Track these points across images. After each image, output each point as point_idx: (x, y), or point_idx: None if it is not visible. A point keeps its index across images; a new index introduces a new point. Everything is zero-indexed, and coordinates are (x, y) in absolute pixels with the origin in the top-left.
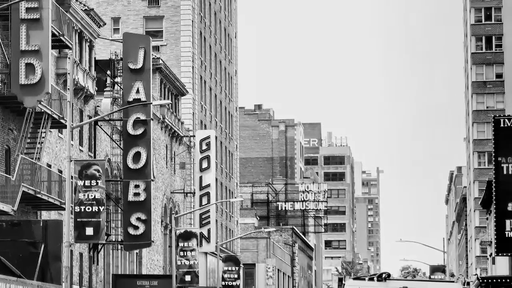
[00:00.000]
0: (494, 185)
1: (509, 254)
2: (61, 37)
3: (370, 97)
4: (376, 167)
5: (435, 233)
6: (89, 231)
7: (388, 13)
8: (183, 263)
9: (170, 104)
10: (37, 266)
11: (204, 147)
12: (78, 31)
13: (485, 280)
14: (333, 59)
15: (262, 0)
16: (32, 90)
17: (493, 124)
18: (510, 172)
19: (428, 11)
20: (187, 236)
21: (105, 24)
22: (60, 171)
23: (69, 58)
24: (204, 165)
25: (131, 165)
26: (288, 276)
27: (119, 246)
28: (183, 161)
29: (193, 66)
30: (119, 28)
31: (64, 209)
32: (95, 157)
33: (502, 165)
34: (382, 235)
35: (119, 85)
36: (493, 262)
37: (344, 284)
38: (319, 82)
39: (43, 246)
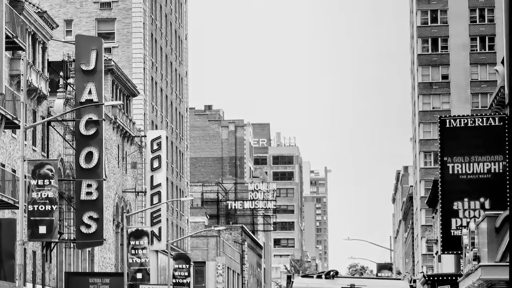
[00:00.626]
0: (440, 184)
1: (454, 252)
2: (15, 39)
3: (317, 98)
4: (324, 166)
5: (382, 231)
6: (42, 229)
7: (333, 14)
8: (134, 261)
9: (121, 105)
10: None
11: (155, 147)
12: (32, 33)
13: (431, 278)
14: (282, 61)
15: (212, 3)
16: None
17: (438, 125)
18: (455, 172)
19: (375, 13)
20: (138, 234)
21: (58, 26)
22: (14, 171)
23: (22, 59)
24: (155, 164)
25: (83, 164)
26: (238, 273)
27: (72, 244)
28: (134, 161)
29: (144, 68)
30: (71, 30)
31: (17, 208)
32: (48, 157)
33: (447, 164)
34: (330, 234)
35: (72, 86)
36: (439, 260)
37: (292, 281)
38: (268, 83)
39: None
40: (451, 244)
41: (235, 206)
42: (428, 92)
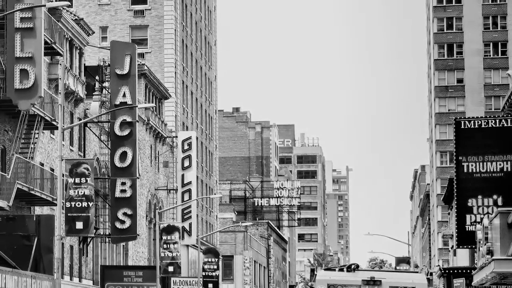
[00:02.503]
0: (455, 182)
1: (469, 246)
2: (53, 45)
3: (339, 101)
4: (346, 165)
5: (400, 227)
6: (79, 225)
7: (354, 21)
8: (166, 255)
9: (154, 107)
10: (30, 257)
11: (186, 147)
12: (69, 39)
13: (447, 271)
14: (306, 64)
15: (239, 10)
16: (26, 94)
17: (454, 126)
18: (470, 171)
19: (394, 20)
20: (170, 230)
21: (94, 32)
22: (52, 170)
23: (60, 64)
24: (186, 163)
25: (118, 164)
26: (264, 267)
27: (107, 239)
28: (166, 160)
29: (175, 72)
30: (107, 37)
31: (55, 204)
32: (84, 157)
33: (462, 163)
34: (351, 229)
35: (107, 89)
36: (454, 254)
37: (316, 274)
38: (293, 86)
39: (36, 239)
40: (466, 239)
41: (261, 203)
42: (444, 95)
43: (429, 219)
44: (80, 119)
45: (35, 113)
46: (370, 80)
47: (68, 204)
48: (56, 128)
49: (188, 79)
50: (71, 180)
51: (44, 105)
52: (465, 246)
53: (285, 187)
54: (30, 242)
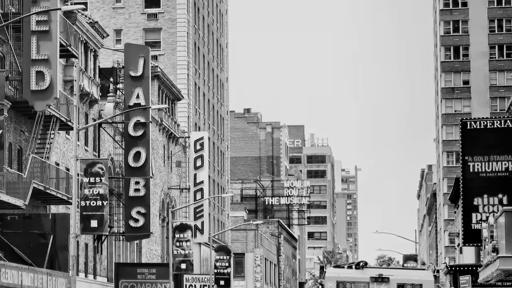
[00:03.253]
0: (461, 181)
1: (474, 244)
2: (68, 47)
3: (349, 102)
4: (354, 165)
5: (408, 225)
6: (94, 223)
7: (365, 25)
8: (179, 253)
9: (167, 108)
10: (46, 255)
11: (198, 147)
12: (84, 41)
13: (453, 268)
14: (316, 67)
15: (250, 13)
16: (42, 96)
17: (460, 127)
18: (475, 170)
19: (401, 23)
20: (182, 228)
21: (108, 35)
22: (67, 169)
23: (75, 66)
24: (198, 163)
25: (132, 163)
26: (274, 264)
27: (121, 237)
28: (179, 160)
29: (188, 74)
30: (121, 39)
31: (71, 203)
32: (99, 156)
33: (468, 163)
34: (359, 227)
35: (121, 90)
36: (461, 252)
37: (325, 271)
38: (303, 88)
39: (51, 237)
40: (472, 237)
41: (272, 201)
42: (451, 97)
43: (436, 217)
44: (94, 120)
45: (51, 114)
46: (379, 81)
47: (83, 203)
48: (71, 128)
49: (200, 81)
50: (86, 180)
51: (59, 106)
52: (471, 244)
53: (295, 186)
54: (46, 240)
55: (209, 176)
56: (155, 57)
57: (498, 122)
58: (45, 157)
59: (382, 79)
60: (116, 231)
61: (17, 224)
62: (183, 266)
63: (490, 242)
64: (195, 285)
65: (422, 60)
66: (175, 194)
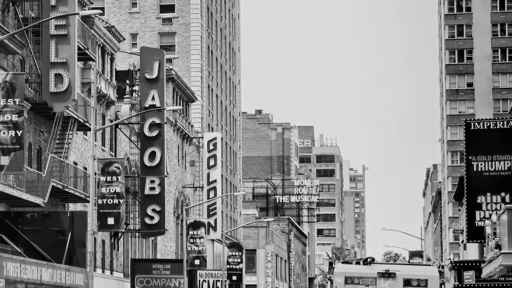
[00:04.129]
0: (465, 180)
1: (478, 241)
2: (86, 51)
3: (357, 103)
4: (362, 164)
5: (414, 222)
6: (111, 221)
7: (372, 29)
8: (193, 249)
9: (181, 110)
10: (65, 251)
11: (211, 147)
12: (101, 45)
13: (458, 264)
14: (325, 70)
15: (261, 18)
16: (60, 97)
17: (464, 127)
18: (479, 169)
19: (408, 28)
20: (196, 225)
21: (125, 39)
22: (85, 168)
23: (92, 69)
24: (211, 163)
25: (147, 163)
26: (285, 260)
27: (137, 234)
28: (193, 160)
29: (201, 76)
30: (136, 43)
31: (88, 201)
32: (115, 156)
33: (472, 163)
34: (367, 224)
35: (137, 92)
36: (465, 248)
37: (334, 267)
38: (312, 90)
39: (70, 234)
40: (475, 234)
41: (282, 200)
42: (455, 98)
43: (440, 215)
44: (111, 121)
45: (69, 115)
46: (386, 84)
47: (100, 201)
48: (89, 129)
49: (213, 83)
50: (103, 178)
51: (77, 107)
52: (474, 241)
53: (305, 185)
54: (64, 237)
55: (221, 175)
56: (169, 60)
57: (501, 123)
58: (64, 157)
59: (389, 82)
60: (132, 228)
61: (36, 221)
62: (197, 262)
63: (493, 239)
64: (208, 281)
65: (428, 63)
66: (189, 193)
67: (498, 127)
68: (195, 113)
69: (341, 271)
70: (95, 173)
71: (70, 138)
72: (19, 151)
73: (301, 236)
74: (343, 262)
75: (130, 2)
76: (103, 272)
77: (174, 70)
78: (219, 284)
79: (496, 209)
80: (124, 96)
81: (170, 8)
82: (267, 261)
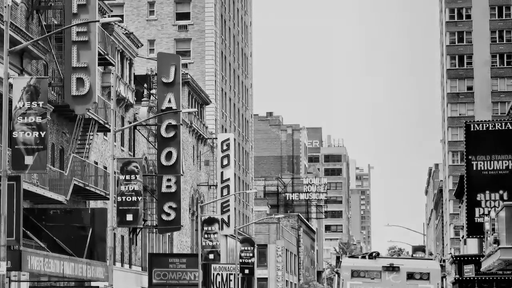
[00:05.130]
0: (465, 179)
1: (477, 236)
2: (106, 56)
3: (363, 106)
4: (368, 164)
5: (417, 219)
6: (129, 217)
7: (378, 37)
8: (207, 244)
9: (196, 112)
10: (86, 246)
11: (224, 147)
12: (120, 51)
13: (458, 258)
14: (333, 74)
15: (272, 26)
16: (82, 100)
17: (464, 129)
18: (478, 168)
19: (412, 34)
20: (210, 221)
21: (143, 45)
22: (105, 167)
23: (112, 73)
24: (225, 162)
25: (164, 162)
26: (295, 254)
27: (154, 230)
28: (207, 159)
29: (215, 80)
30: (154, 49)
31: (108, 199)
32: (134, 156)
33: (472, 162)
34: (372, 221)
35: (154, 96)
36: (465, 243)
37: (341, 261)
38: (320, 93)
39: (91, 230)
40: (475, 229)
41: (292, 197)
42: (456, 101)
43: (442, 212)
44: (130, 123)
45: (90, 117)
46: (390, 88)
47: (119, 199)
48: (109, 130)
49: (226, 87)
50: (122, 177)
51: (98, 110)
52: (474, 236)
53: (313, 183)
54: (85, 233)
55: (234, 174)
56: (185, 65)
57: (499, 124)
58: (85, 157)
59: (394, 85)
60: (149, 224)
61: (59, 218)
62: (211, 256)
63: (492, 234)
64: (222, 274)
65: (430, 67)
66: (204, 190)
67: (496, 128)
68: (209, 115)
69: (348, 265)
70: (115, 172)
71: (91, 139)
72: (43, 151)
73: (310, 232)
74: (349, 257)
75: (147, 10)
76: (122, 266)
77: (189, 75)
78: (232, 277)
79: (494, 206)
80: (142, 99)
81: (185, 16)
82: (278, 256)
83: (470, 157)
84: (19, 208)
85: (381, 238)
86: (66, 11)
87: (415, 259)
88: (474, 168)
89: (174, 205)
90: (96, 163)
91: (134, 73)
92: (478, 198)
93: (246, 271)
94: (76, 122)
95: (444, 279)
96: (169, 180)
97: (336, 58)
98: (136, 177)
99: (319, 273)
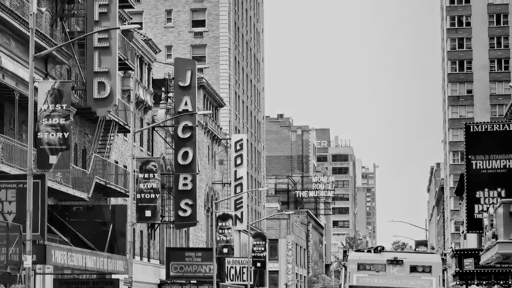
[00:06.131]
0: (465, 177)
1: (477, 231)
2: (126, 61)
3: (369, 108)
4: (373, 163)
5: (419, 215)
6: (148, 213)
7: (383, 43)
8: (221, 239)
9: (211, 114)
10: (107, 241)
11: (238, 147)
12: (139, 56)
13: (458, 252)
14: (340, 79)
15: (283, 32)
16: (103, 103)
17: (464, 130)
18: (477, 167)
19: (415, 41)
20: (224, 217)
21: (160, 51)
22: (125, 166)
23: (132, 77)
24: (238, 161)
25: (180, 161)
26: (304, 249)
27: (171, 225)
28: (221, 159)
29: (229, 84)
30: (171, 54)
31: (128, 196)
32: (152, 156)
33: (471, 161)
34: (377, 217)
35: (171, 98)
36: (465, 238)
37: (348, 255)
38: (329, 96)
39: (111, 225)
40: (474, 225)
41: (301, 194)
42: (456, 104)
43: (443, 208)
44: (148, 124)
45: (111, 119)
46: (394, 91)
47: (138, 196)
48: (128, 131)
49: (239, 90)
50: (141, 175)
51: (118, 112)
52: (473, 231)
53: (321, 181)
54: (106, 228)
55: (247, 173)
56: (200, 70)
57: (497, 125)
58: (106, 156)
59: (398, 89)
60: (167, 220)
61: (81, 214)
62: (225, 250)
63: (490, 230)
64: (235, 267)
65: (432, 72)
66: (218, 188)
67: (494, 129)
68: (223, 117)
69: (354, 258)
70: (134, 171)
71: (112, 139)
72: (66, 151)
73: (318, 227)
74: (356, 251)
75: (165, 18)
76: (141, 259)
77: (204, 79)
78: (245, 270)
79: (493, 203)
80: (160, 102)
81: (201, 23)
82: (288, 250)
83: (469, 156)
84: (44, 204)
85: (386, 233)
86: (88, 18)
87: (417, 253)
88: (474, 167)
89: (190, 202)
90: (117, 162)
91: (152, 77)
92: (477, 195)
93: (258, 264)
94: (98, 124)
95: (445, 272)
96: (185, 178)
97: (343, 64)
98: (154, 176)
99: (327, 266)
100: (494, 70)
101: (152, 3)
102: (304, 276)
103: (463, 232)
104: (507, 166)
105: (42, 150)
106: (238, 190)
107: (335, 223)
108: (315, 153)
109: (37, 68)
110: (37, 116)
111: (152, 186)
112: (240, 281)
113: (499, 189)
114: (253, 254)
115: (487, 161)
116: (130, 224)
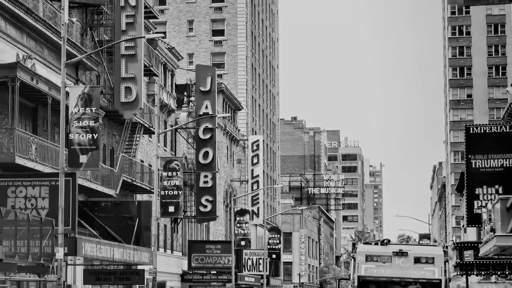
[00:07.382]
0: (465, 175)
1: (476, 225)
2: (151, 68)
3: (376, 111)
4: (380, 162)
5: (423, 210)
6: (171, 209)
7: (389, 51)
8: (239, 232)
9: (229, 117)
10: (133, 234)
11: (254, 148)
12: (163, 63)
13: (459, 244)
14: (350, 83)
15: (297, 41)
16: (129, 106)
17: (465, 131)
18: (477, 166)
19: (418, 48)
20: (242, 212)
21: (183, 58)
22: (150, 165)
23: (156, 83)
24: (255, 161)
25: (201, 160)
26: (316, 241)
27: (193, 220)
28: (239, 158)
29: (246, 89)
30: (193, 61)
31: (153, 192)
32: (175, 155)
33: (471, 161)
34: (384, 212)
35: (193, 102)
36: (465, 231)
37: (356, 247)
38: (339, 100)
39: (137, 220)
40: (474, 219)
41: (313, 191)
42: (457, 107)
43: (445, 204)
44: (172, 126)
45: (137, 121)
46: (400, 95)
47: (162, 192)
48: (153, 133)
49: (256, 94)
50: (165, 174)
51: (143, 115)
52: (473, 225)
53: (332, 179)
54: (132, 222)
55: (263, 171)
56: (220, 76)
57: (495, 127)
58: (132, 156)
59: (403, 93)
60: (189, 215)
61: (109, 209)
62: (243, 243)
63: (489, 224)
64: (252, 258)
65: (434, 77)
66: (236, 185)
67: (493, 131)
68: (241, 119)
69: (362, 250)
70: (158, 169)
71: (138, 140)
72: (95, 151)
73: (329, 222)
74: (364, 243)
75: (187, 27)
76: (165, 251)
77: (223, 84)
78: (261, 261)
79: (491, 199)
80: (182, 105)
81: (220, 33)
82: (301, 242)
83: (469, 156)
84: (74, 200)
85: (392, 227)
86: (116, 28)
87: (421, 245)
88: (473, 166)
89: (210, 198)
90: (142, 161)
91: (175, 83)
92: (476, 192)
93: (274, 255)
94: (125, 126)
95: (446, 263)
96: (206, 176)
97: (353, 72)
98: (177, 174)
99: (337, 258)
100: (492, 76)
101: (175, 14)
102: (316, 267)
103: (463, 226)
104: (504, 165)
105: (73, 150)
106: (255, 187)
107: (345, 218)
108: (326, 153)
109: (68, 74)
110: (69, 119)
111: (175, 183)
112: (257, 271)
113: (496, 186)
114: (268, 247)
115: (485, 160)
116: (155, 219)
